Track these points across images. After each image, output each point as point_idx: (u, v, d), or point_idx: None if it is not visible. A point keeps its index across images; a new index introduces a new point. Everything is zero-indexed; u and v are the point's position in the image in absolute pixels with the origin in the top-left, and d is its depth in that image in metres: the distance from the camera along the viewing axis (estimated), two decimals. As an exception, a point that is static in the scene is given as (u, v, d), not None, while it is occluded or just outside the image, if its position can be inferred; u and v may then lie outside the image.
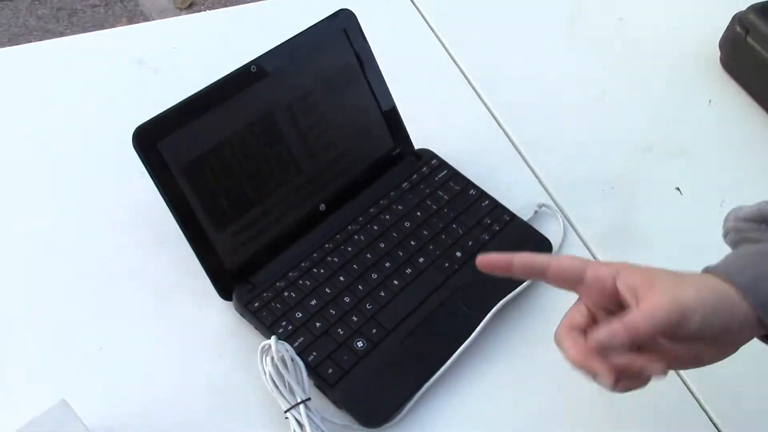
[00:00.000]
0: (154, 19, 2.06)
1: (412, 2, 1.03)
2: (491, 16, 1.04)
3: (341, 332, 0.67)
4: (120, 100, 0.85)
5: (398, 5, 1.03)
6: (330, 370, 0.65)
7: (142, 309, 0.70)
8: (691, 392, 0.69)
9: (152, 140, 0.65)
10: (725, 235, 0.60)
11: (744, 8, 0.95)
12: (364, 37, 0.78)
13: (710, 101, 0.95)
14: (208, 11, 1.01)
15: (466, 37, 1.00)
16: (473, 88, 0.94)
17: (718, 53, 0.99)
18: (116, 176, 0.78)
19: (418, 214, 0.76)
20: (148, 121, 0.65)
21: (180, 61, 0.90)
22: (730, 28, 0.96)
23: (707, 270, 0.54)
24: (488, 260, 0.55)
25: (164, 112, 0.66)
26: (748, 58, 0.93)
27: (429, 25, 1.01)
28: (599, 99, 0.95)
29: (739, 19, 0.95)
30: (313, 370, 0.65)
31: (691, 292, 0.51)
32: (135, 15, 2.15)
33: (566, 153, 0.88)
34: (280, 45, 0.73)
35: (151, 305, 0.70)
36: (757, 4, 0.94)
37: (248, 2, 1.01)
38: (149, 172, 0.65)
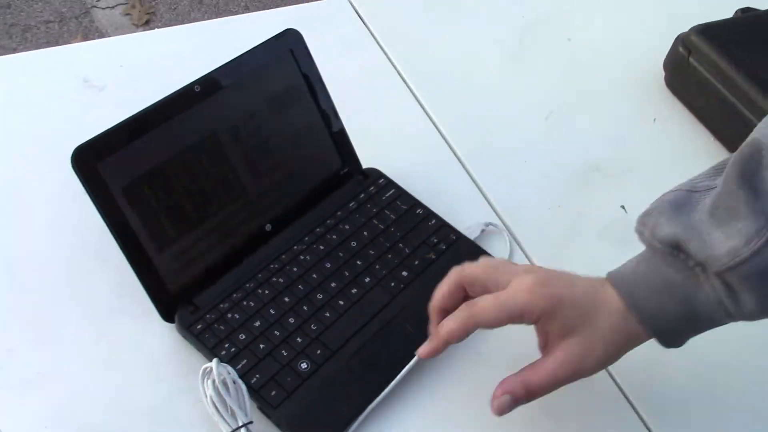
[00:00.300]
0: (109, 36, 2.05)
1: (362, 20, 1.04)
2: (442, 35, 1.05)
3: (285, 354, 0.66)
4: (62, 119, 0.84)
5: (348, 23, 1.03)
6: (273, 393, 0.64)
7: (83, 332, 0.69)
8: (622, 390, 0.70)
9: (92, 161, 0.64)
10: (640, 236, 0.60)
11: (687, 29, 0.97)
12: (311, 57, 0.78)
13: (654, 120, 0.97)
14: (157, 29, 1.00)
15: (416, 55, 1.01)
16: (422, 107, 0.95)
17: (663, 73, 1.01)
18: (57, 196, 0.77)
19: (365, 233, 0.76)
20: (88, 141, 0.64)
21: (126, 79, 0.89)
22: (673, 49, 0.98)
23: (613, 284, 0.58)
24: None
25: (104, 132, 0.65)
26: (691, 78, 0.95)
27: (378, 44, 1.01)
28: (548, 118, 0.96)
29: (682, 40, 0.97)
30: (255, 393, 0.64)
31: (599, 354, 0.58)
32: (90, 32, 2.13)
33: (514, 172, 0.89)
34: (224, 64, 0.72)
35: (92, 328, 0.69)
36: (699, 25, 0.96)
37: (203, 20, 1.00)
38: (88, 193, 0.64)
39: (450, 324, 0.60)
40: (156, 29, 0.98)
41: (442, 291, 0.63)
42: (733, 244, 0.52)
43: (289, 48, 0.76)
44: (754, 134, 0.53)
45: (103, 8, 2.12)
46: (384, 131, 0.91)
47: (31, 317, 0.69)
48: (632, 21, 1.11)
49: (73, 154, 0.63)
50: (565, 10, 1.12)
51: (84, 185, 0.63)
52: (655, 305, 0.56)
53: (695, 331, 0.58)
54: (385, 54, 1.00)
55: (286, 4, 1.04)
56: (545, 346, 0.60)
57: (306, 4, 1.04)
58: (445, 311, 0.62)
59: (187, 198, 0.69)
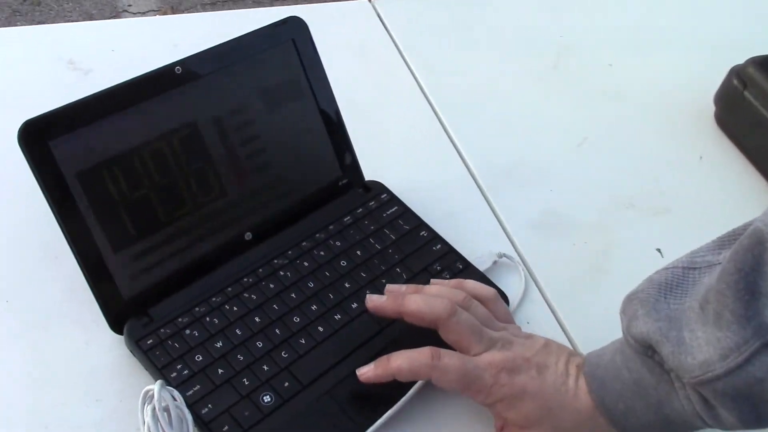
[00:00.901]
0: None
1: (383, 25, 0.95)
2: (469, 47, 0.96)
3: (246, 382, 0.56)
4: (38, 98, 0.75)
5: (367, 27, 0.95)
6: (225, 427, 0.54)
7: (18, 337, 0.59)
8: None
9: (43, 138, 0.55)
10: (621, 322, 0.53)
11: (741, 61, 0.87)
12: (315, 50, 0.69)
13: (701, 158, 0.86)
14: (157, 16, 0.92)
15: (440, 67, 0.92)
16: (439, 120, 0.85)
17: (713, 108, 0.91)
18: (7, 180, 0.68)
19: (358, 252, 0.67)
20: (41, 115, 0.55)
21: (116, 65, 0.81)
22: (726, 82, 0.88)
23: (586, 377, 0.53)
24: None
25: (62, 107, 0.56)
26: (745, 113, 0.85)
27: (398, 49, 0.92)
28: (580, 146, 0.86)
29: (737, 72, 0.87)
30: (204, 426, 0.54)
31: None
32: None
33: (537, 200, 0.79)
34: (213, 47, 0.64)
35: (26, 334, 0.60)
36: (757, 57, 0.86)
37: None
38: (35, 174, 0.55)
39: (404, 363, 0.55)
40: (156, 16, 0.90)
41: (419, 306, 0.57)
42: (708, 356, 0.45)
43: (290, 37, 0.68)
44: (757, 223, 0.44)
45: (134, 13, 2.08)
46: (393, 143, 0.81)
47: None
48: (680, 49, 1.01)
49: (21, 129, 0.54)
50: (606, 34, 1.02)
51: (30, 165, 0.55)
52: (625, 408, 0.51)
53: None
54: (404, 60, 0.91)
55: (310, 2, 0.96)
56: (501, 431, 0.57)
57: (325, 3, 0.96)
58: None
59: (154, 192, 0.60)
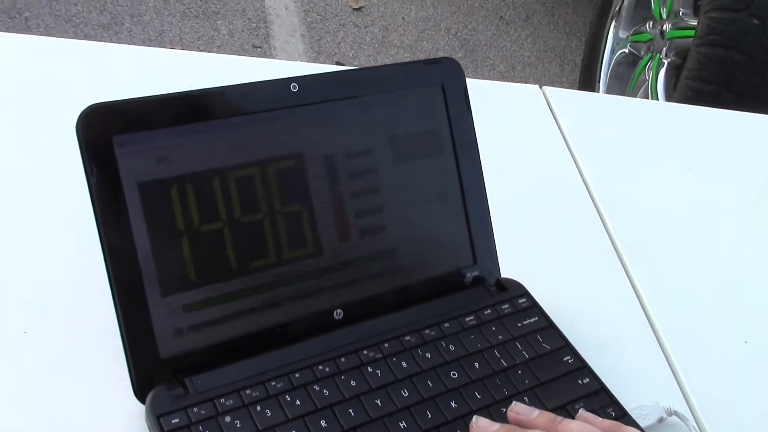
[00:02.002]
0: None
1: (550, 108, 0.81)
2: (650, 155, 0.79)
3: None
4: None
5: (531, 105, 0.81)
6: None
7: (24, 377, 0.46)
8: None
9: (107, 129, 0.43)
10: None
11: None
12: (468, 104, 0.55)
13: None
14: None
15: (613, 171, 0.76)
16: (607, 231, 0.68)
17: None
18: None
19: (476, 365, 0.49)
20: (111, 101, 0.44)
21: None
22: None
23: None
24: None
25: (140, 98, 0.45)
26: None
27: (565, 140, 0.77)
28: (786, 295, 0.66)
29: None
30: None
31: None
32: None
33: (725, 353, 0.59)
34: (344, 70, 0.51)
35: (40, 376, 0.46)
36: None
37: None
38: (86, 174, 0.43)
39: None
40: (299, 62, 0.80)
41: None
42: None
43: (441, 81, 0.54)
44: None
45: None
46: (543, 241, 0.65)
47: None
48: None
49: (82, 114, 0.43)
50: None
51: (84, 161, 0.43)
52: None
53: None
54: (572, 155, 0.75)
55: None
56: None
57: (493, 80, 0.83)
58: None
59: (231, 230, 0.47)
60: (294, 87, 0.49)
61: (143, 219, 0.44)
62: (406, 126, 0.53)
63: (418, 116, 0.54)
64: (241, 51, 2.23)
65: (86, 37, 2.16)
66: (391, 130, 0.52)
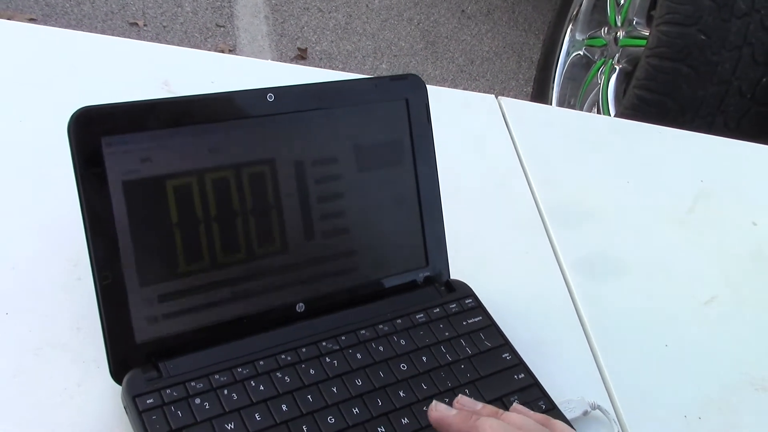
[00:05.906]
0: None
1: (504, 119, 0.86)
2: (595, 168, 0.85)
3: (250, 484, 0.44)
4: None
5: (486, 115, 0.86)
6: None
7: (3, 357, 0.50)
8: None
9: (97, 130, 0.47)
10: None
11: None
12: (429, 119, 0.60)
13: None
14: (268, 61, 0.87)
15: (560, 181, 0.81)
16: (550, 239, 0.74)
17: None
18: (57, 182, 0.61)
19: (424, 359, 0.55)
20: (99, 105, 0.47)
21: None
22: None
23: None
24: None
25: (129, 102, 0.48)
26: None
27: (516, 150, 0.82)
28: (707, 304, 0.73)
29: None
30: None
31: None
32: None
33: (649, 356, 0.65)
34: (316, 83, 0.56)
35: (18, 356, 0.50)
36: None
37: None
38: (75, 171, 0.46)
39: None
40: (268, 60, 0.84)
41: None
42: None
43: (405, 96, 0.59)
44: None
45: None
46: (490, 245, 0.70)
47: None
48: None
49: (74, 115, 0.46)
50: (755, 188, 0.90)
51: (73, 159, 0.46)
52: None
53: None
54: (521, 163, 0.81)
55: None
56: None
57: (452, 89, 0.88)
58: None
59: (206, 226, 0.51)
60: (270, 97, 0.53)
61: (126, 214, 0.48)
62: (371, 136, 0.58)
63: (382, 127, 0.58)
64: (204, 30, 2.24)
65: (47, 6, 2.15)
66: (357, 140, 0.57)
